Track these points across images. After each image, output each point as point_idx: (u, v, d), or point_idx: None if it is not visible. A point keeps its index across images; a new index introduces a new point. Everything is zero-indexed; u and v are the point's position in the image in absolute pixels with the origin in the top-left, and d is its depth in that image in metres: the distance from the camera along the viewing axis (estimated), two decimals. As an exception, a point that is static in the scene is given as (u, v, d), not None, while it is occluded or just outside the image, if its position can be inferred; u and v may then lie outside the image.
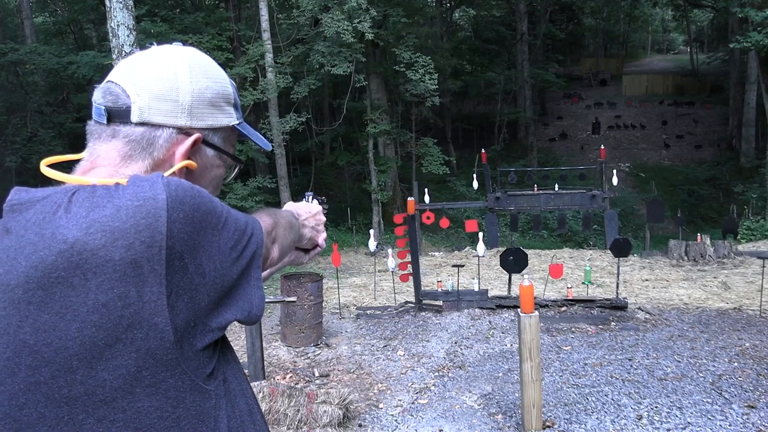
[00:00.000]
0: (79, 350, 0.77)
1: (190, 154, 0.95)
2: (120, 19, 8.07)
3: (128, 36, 8.09)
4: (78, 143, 0.97)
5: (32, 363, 0.78)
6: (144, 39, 10.38)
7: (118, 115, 0.91)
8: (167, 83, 0.93)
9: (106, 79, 0.95)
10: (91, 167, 0.92)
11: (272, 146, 16.02)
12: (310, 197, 1.36)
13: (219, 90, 0.98)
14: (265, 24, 14.95)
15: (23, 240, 0.80)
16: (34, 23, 20.06)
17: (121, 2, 8.05)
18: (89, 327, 0.76)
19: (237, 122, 1.03)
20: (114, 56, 8.33)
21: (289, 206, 1.28)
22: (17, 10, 19.71)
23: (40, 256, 0.78)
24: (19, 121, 16.29)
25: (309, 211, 1.29)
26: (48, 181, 0.90)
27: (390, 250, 8.34)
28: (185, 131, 0.94)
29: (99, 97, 0.93)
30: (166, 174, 0.89)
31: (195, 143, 0.95)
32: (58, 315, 0.77)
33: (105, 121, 0.92)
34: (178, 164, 0.93)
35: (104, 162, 0.92)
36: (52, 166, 0.93)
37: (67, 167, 0.94)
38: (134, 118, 0.91)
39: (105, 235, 0.77)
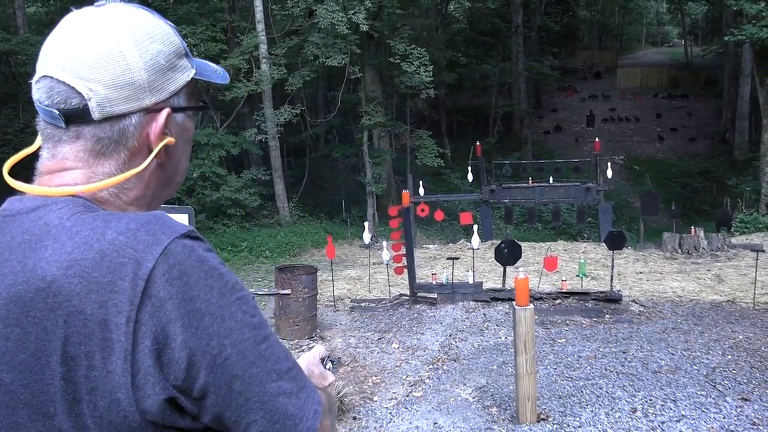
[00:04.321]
0: (53, 397, 0.72)
1: (164, 130, 0.86)
2: (112, 9, 7.98)
3: (120, 26, 8.01)
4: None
5: (10, 403, 0.73)
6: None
7: (76, 116, 0.80)
8: (117, 66, 0.80)
9: (42, 73, 0.81)
10: (59, 168, 0.82)
11: (266, 135, 15.91)
12: (326, 360, 1.25)
13: (169, 50, 0.86)
14: (259, 15, 14.89)
15: (6, 267, 0.75)
16: (26, 13, 19.86)
17: (113, -8, 7.97)
18: (58, 378, 0.71)
19: (194, 71, 0.90)
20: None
21: (302, 362, 1.10)
22: (9, 0, 19.50)
23: (18, 291, 0.73)
24: (11, 112, 16.14)
25: (321, 374, 1.11)
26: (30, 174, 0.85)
27: (384, 243, 8.33)
28: (152, 109, 0.84)
29: (44, 97, 0.81)
30: (147, 161, 0.83)
31: (167, 118, 0.86)
32: (34, 357, 0.72)
33: (63, 125, 0.81)
34: (158, 146, 0.85)
35: (75, 163, 0.82)
36: (16, 165, 0.86)
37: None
38: (96, 115, 0.80)
39: (81, 282, 0.71)
